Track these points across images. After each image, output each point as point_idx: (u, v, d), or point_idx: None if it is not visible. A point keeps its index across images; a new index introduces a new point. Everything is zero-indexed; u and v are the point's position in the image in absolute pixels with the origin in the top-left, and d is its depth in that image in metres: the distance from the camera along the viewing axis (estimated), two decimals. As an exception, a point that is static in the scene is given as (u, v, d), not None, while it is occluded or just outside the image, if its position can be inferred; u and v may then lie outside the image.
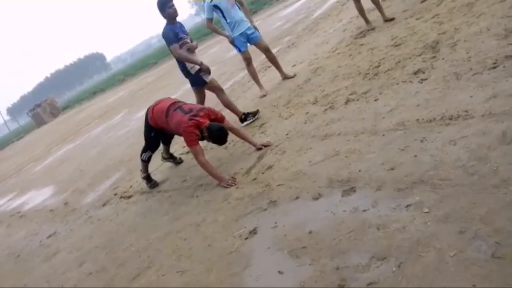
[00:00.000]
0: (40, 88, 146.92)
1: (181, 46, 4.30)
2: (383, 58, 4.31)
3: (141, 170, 4.34)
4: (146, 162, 4.25)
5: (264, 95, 5.41)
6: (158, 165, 4.77)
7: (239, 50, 5.34)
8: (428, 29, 4.41)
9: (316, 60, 5.77)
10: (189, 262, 2.62)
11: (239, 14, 5.16)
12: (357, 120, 3.28)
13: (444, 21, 4.39)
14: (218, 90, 4.63)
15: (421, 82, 3.31)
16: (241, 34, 5.21)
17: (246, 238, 2.54)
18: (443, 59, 3.51)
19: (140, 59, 63.44)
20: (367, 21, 5.78)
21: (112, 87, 34.15)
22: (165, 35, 4.31)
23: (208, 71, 4.48)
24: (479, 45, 3.38)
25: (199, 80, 4.52)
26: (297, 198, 2.66)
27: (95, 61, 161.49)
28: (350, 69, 4.57)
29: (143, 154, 4.22)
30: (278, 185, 2.96)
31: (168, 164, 4.69)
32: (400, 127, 2.81)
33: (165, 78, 16.74)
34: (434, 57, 3.65)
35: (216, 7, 5.06)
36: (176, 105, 3.71)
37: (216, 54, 13.59)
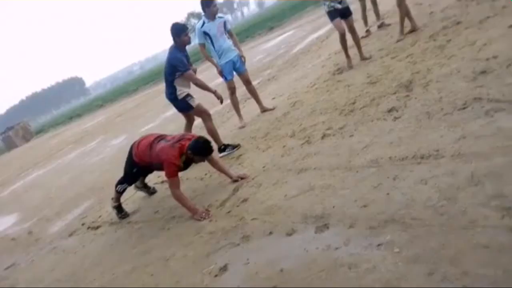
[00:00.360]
0: (14, 111, 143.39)
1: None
2: (359, 95, 4.41)
3: (112, 199, 4.20)
4: (120, 193, 4.14)
5: (243, 127, 5.42)
6: (131, 194, 4.63)
7: (225, 79, 5.36)
8: (403, 68, 4.57)
9: (295, 94, 5.87)
10: (155, 300, 2.50)
11: (227, 43, 5.22)
12: (332, 155, 3.30)
13: (418, 61, 4.57)
14: (205, 115, 4.64)
15: (395, 120, 3.39)
16: (228, 62, 5.25)
17: (216, 276, 2.45)
18: (416, 98, 3.62)
19: (120, 85, 63.39)
20: (348, 56, 5.89)
21: (90, 112, 33.65)
22: (176, 60, 4.34)
23: (221, 99, 4.63)
24: (449, 86, 3.51)
25: (185, 105, 4.54)
26: (270, 233, 2.61)
27: (73, 85, 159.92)
28: (327, 104, 4.65)
29: (119, 186, 4.09)
30: (253, 219, 2.90)
31: (141, 194, 4.57)
32: (374, 164, 2.84)
33: (145, 105, 16.66)
34: (407, 96, 3.76)
35: (205, 33, 5.14)
36: (159, 138, 3.72)
37: (206, 79, 13.67)
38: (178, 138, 3.54)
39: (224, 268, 2.48)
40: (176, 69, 4.35)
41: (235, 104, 5.54)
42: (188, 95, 4.52)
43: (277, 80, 7.77)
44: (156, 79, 30.41)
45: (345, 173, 2.91)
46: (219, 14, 5.15)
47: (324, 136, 3.77)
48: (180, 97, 4.48)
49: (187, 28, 4.47)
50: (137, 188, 4.49)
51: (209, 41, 5.16)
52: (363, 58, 5.81)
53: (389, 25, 7.30)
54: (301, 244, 2.35)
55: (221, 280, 2.38)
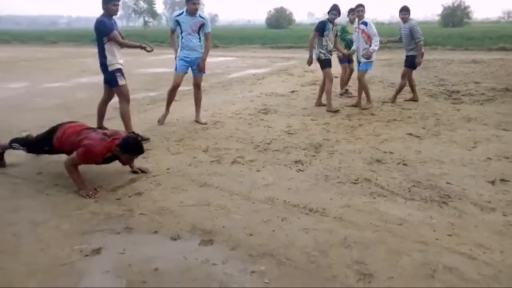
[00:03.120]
0: None
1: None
2: (275, 139, 4.76)
3: None
4: (11, 148, 3.76)
5: (161, 123, 5.38)
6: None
7: (175, 69, 5.28)
8: (317, 132, 5.08)
9: (220, 114, 6.05)
10: (10, 260, 2.32)
11: (194, 42, 5.17)
12: (236, 181, 3.49)
13: (331, 131, 5.12)
14: (124, 98, 4.55)
15: (298, 172, 3.74)
16: (185, 58, 5.22)
17: (87, 255, 2.38)
18: (320, 160, 4.05)
19: (39, 31, 57.08)
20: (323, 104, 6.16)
21: (-9, 43, 29.55)
22: (100, 23, 4.31)
23: (150, 49, 4.65)
24: (349, 161, 4.01)
25: (112, 79, 4.45)
26: (155, 232, 2.64)
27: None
28: (245, 135, 4.90)
29: (16, 144, 3.72)
30: (141, 213, 2.90)
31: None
32: (269, 202, 3.09)
33: (59, 62, 15.29)
34: (314, 156, 4.18)
35: (177, 22, 5.12)
36: (90, 128, 3.53)
37: (155, 62, 13.16)
38: (110, 134, 3.37)
39: (97, 251, 2.42)
40: (101, 32, 4.34)
41: (170, 98, 5.45)
42: (119, 70, 4.47)
43: (206, 95, 7.86)
44: (81, 41, 28.22)
45: (243, 200, 3.10)
46: (202, 15, 5.16)
47: (234, 162, 3.96)
48: (110, 68, 4.43)
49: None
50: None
51: (179, 31, 5.16)
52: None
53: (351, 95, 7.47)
54: (182, 251, 2.43)
55: (91, 261, 2.32)
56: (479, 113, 5.93)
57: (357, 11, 6.25)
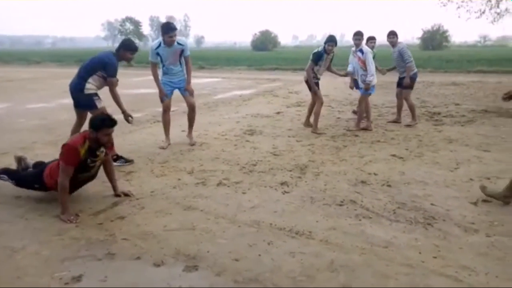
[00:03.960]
0: None
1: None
2: (261, 160, 4.76)
3: None
4: None
5: (164, 148, 5.29)
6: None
7: (162, 100, 5.32)
8: (303, 153, 5.10)
9: (205, 136, 6.04)
10: (-16, 290, 2.21)
11: (176, 69, 5.24)
12: (222, 204, 3.45)
13: (316, 152, 5.15)
14: None
15: (284, 194, 3.73)
16: (169, 82, 5.28)
17: (67, 283, 2.30)
18: (306, 182, 4.05)
19: (23, 51, 56.68)
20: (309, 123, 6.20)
21: (-28, 62, 29.15)
22: (112, 65, 4.39)
23: (130, 120, 4.72)
24: (335, 182, 4.03)
25: (88, 102, 4.40)
26: (138, 258, 2.58)
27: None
28: (231, 157, 4.89)
29: (4, 176, 3.63)
30: (123, 238, 2.83)
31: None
32: (255, 225, 3.06)
33: (43, 82, 15.12)
34: (300, 177, 4.19)
35: (158, 54, 5.14)
36: None
37: (139, 84, 13.07)
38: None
39: (78, 278, 2.34)
40: (104, 69, 4.35)
41: (166, 123, 5.44)
42: (96, 94, 4.46)
43: (191, 116, 7.88)
44: (66, 61, 28.06)
45: (228, 224, 3.06)
46: (180, 41, 5.15)
47: (219, 184, 3.93)
48: (86, 92, 4.38)
49: (137, 49, 4.63)
50: (17, 159, 3.98)
51: (159, 60, 5.19)
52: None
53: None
54: (166, 278, 2.37)
55: (71, 289, 2.24)
56: (460, 134, 6.06)
57: (354, 39, 6.40)
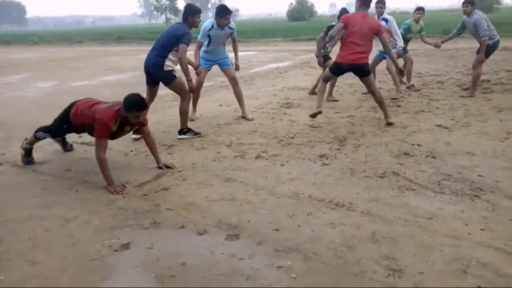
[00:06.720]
0: None
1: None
2: (299, 133, 4.71)
3: (26, 139, 3.93)
4: (37, 140, 3.89)
5: (192, 119, 5.38)
6: (46, 143, 4.33)
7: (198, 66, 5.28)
8: (342, 125, 5.00)
9: (242, 109, 6.03)
10: (43, 255, 2.39)
11: (219, 51, 5.31)
12: (261, 176, 3.48)
13: (356, 124, 5.03)
14: (185, 93, 4.61)
15: (323, 166, 3.69)
16: (210, 58, 5.31)
17: (116, 250, 2.42)
18: (345, 154, 3.98)
19: (65, 31, 58.66)
20: (319, 104, 5.13)
21: (21, 45, 30.57)
22: (186, 34, 4.35)
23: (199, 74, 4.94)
24: (376, 154, 3.93)
25: (169, 78, 4.47)
26: (182, 227, 2.67)
27: (11, 9, 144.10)
28: (268, 130, 4.88)
29: (41, 133, 3.86)
30: (168, 208, 2.93)
31: (56, 147, 4.31)
32: (294, 196, 3.06)
33: (85, 60, 15.66)
34: (339, 149, 4.12)
35: (208, 36, 5.12)
36: (100, 102, 3.67)
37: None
38: (117, 103, 3.47)
39: (126, 246, 2.47)
40: (178, 40, 4.32)
41: (194, 98, 5.49)
42: (174, 70, 4.50)
43: (228, 90, 7.81)
44: (106, 39, 28.81)
45: (268, 195, 3.09)
46: (230, 25, 5.12)
47: (258, 157, 3.95)
48: (166, 68, 4.44)
49: (201, 11, 4.61)
50: (55, 139, 4.24)
51: (207, 42, 5.19)
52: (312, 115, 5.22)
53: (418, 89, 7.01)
54: (209, 245, 2.44)
55: (120, 256, 2.37)
56: (511, 102, 5.68)
57: (376, 8, 6.07)
